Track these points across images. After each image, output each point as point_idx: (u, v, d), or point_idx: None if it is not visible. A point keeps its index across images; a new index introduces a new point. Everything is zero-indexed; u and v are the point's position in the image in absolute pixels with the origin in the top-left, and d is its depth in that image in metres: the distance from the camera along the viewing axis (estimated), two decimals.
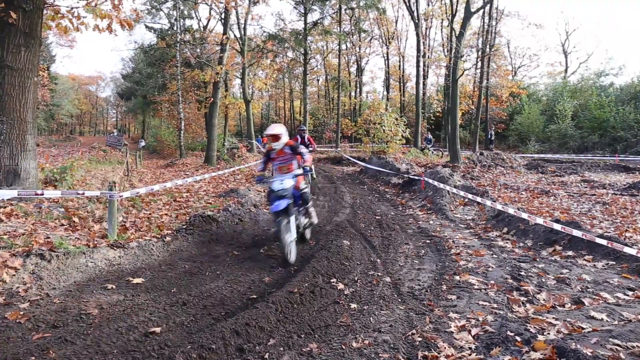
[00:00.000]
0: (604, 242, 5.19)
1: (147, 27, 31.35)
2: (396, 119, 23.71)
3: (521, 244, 6.50)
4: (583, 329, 3.37)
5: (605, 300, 4.07)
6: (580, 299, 4.09)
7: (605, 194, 10.98)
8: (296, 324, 3.73)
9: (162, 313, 3.90)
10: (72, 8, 8.55)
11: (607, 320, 3.56)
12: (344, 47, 36.09)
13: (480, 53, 31.38)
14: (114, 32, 8.91)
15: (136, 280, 4.76)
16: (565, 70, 45.90)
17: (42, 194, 6.51)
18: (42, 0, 7.78)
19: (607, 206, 9.26)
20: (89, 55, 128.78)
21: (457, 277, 4.91)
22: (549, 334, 3.31)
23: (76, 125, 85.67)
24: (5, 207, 6.83)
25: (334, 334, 3.55)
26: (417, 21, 32.01)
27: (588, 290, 4.40)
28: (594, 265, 5.25)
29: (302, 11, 30.32)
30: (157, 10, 29.51)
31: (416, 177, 12.44)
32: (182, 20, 30.80)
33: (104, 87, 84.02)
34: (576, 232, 5.57)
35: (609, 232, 6.65)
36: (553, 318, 3.61)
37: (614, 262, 5.21)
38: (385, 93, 48.80)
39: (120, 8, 8.67)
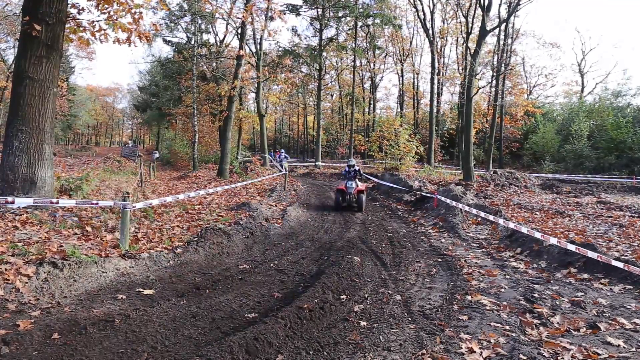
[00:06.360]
0: (620, 264, 5.08)
1: (164, 40, 31.90)
2: (410, 135, 23.69)
3: (535, 265, 6.39)
4: (599, 355, 3.29)
5: (622, 326, 3.96)
6: (595, 323, 3.99)
7: (623, 216, 10.78)
8: (305, 340, 3.69)
9: (171, 325, 3.90)
10: (93, 22, 8.76)
11: (624, 347, 3.47)
12: (358, 63, 36.19)
13: (495, 71, 31.32)
14: (133, 44, 9.11)
15: (146, 291, 4.77)
16: (582, 90, 45.60)
17: (57, 203, 6.60)
18: (64, 13, 7.98)
19: (624, 229, 9.08)
20: (107, 67, 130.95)
21: (469, 297, 4.84)
22: (563, 358, 3.24)
23: (92, 135, 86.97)
24: (20, 215, 6.93)
25: (343, 352, 3.51)
26: (432, 39, 32.21)
27: (604, 314, 4.30)
28: (611, 289, 5.13)
29: (318, 27, 30.62)
30: (175, 25, 30.00)
31: (429, 195, 12.36)
32: (199, 35, 31.28)
33: (121, 98, 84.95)
34: (591, 254, 5.46)
35: (626, 256, 6.50)
36: (567, 342, 3.53)
37: (632, 287, 5.09)
38: (399, 110, 48.84)
39: (140, 22, 8.87)
